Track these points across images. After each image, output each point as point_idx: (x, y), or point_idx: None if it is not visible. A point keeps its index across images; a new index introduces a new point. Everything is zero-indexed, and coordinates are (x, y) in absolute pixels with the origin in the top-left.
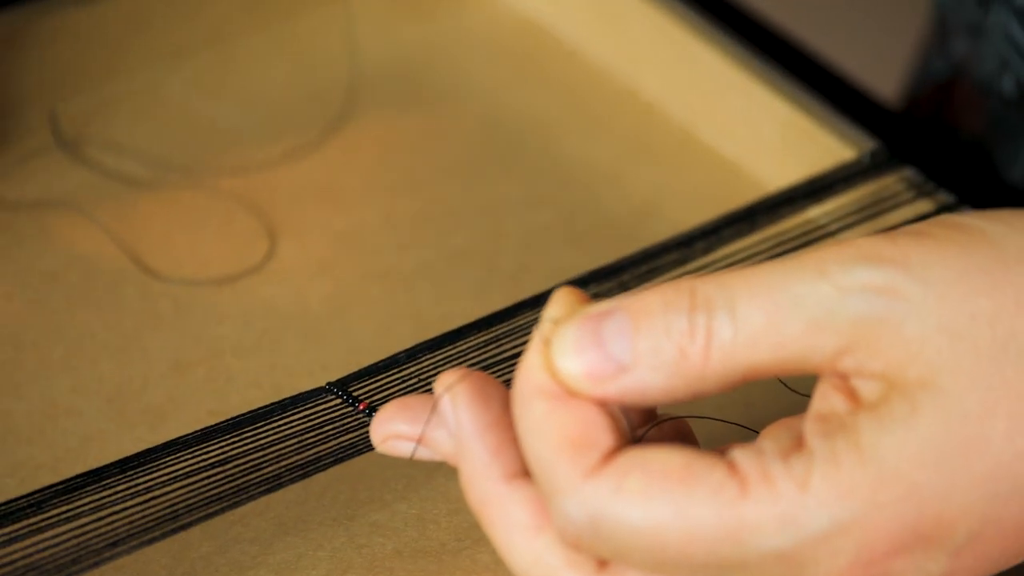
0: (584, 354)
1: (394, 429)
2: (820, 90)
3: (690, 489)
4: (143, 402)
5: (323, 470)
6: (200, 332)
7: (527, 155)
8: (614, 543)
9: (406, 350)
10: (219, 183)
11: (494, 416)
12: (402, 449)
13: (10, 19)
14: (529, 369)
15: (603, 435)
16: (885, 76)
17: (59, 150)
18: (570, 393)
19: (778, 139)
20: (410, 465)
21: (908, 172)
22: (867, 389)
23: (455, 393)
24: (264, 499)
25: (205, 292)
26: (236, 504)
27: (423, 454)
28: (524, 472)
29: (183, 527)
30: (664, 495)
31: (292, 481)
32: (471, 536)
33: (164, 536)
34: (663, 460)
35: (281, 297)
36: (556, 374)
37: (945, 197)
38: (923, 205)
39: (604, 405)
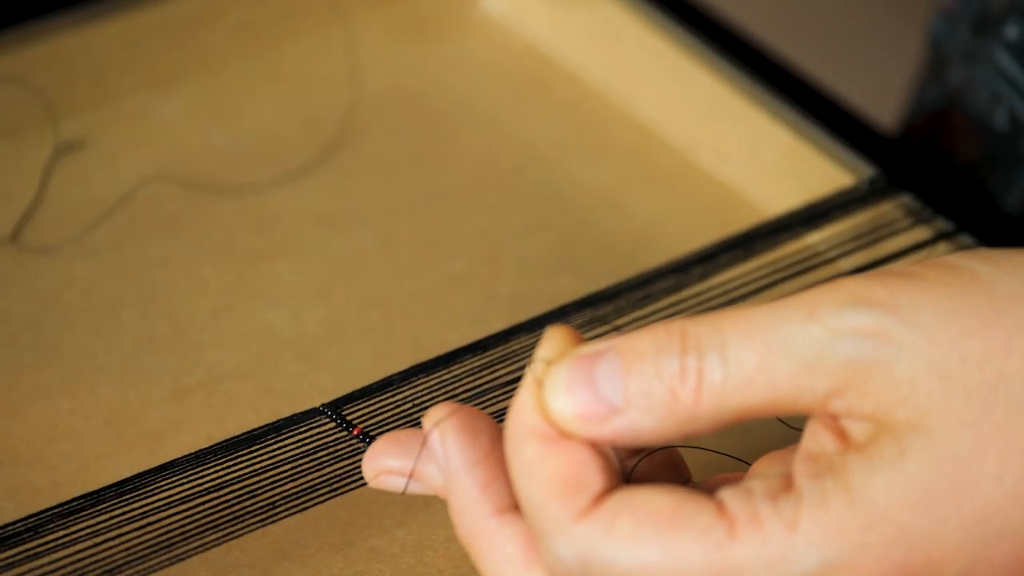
0: (576, 396)
1: (385, 464)
2: (819, 117)
3: (679, 531)
4: (141, 426)
5: (320, 503)
6: (198, 356)
7: (525, 180)
8: None
9: (400, 372)
10: (216, 205)
11: (483, 451)
12: (394, 484)
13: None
14: (521, 410)
15: (594, 477)
16: (884, 104)
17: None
18: (562, 434)
19: (776, 165)
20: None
21: (906, 199)
22: (857, 430)
23: (444, 428)
24: (262, 521)
25: (203, 316)
26: (234, 535)
27: (415, 488)
28: (514, 507)
29: (181, 558)
30: (653, 537)
31: (289, 513)
32: (469, 563)
33: (161, 566)
34: (652, 502)
35: (279, 321)
36: (548, 415)
37: (943, 224)
38: (921, 232)
39: (595, 445)
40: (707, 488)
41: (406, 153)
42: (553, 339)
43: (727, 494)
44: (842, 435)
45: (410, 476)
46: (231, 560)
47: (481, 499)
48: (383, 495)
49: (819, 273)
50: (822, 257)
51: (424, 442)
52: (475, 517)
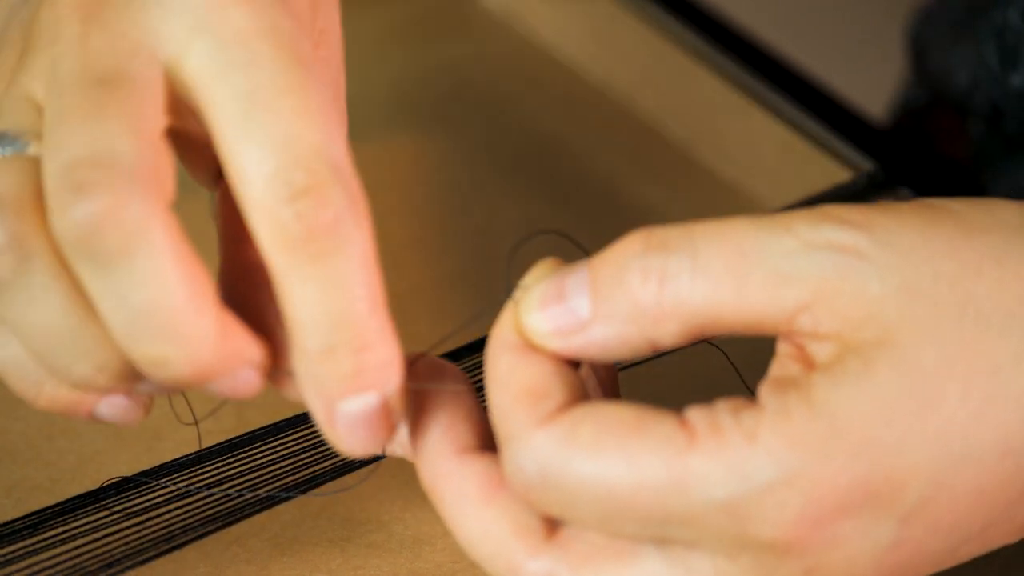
0: (547, 310)
1: None
2: (817, 112)
3: (639, 440)
4: (140, 424)
5: (317, 487)
6: None
7: (525, 176)
8: (563, 493)
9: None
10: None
11: (445, 395)
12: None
13: None
14: (499, 327)
15: (559, 387)
16: (882, 99)
17: None
18: (536, 349)
19: (775, 160)
20: (406, 486)
21: (904, 193)
22: (822, 352)
23: (409, 374)
24: (260, 520)
25: None
26: (230, 523)
27: (392, 450)
28: (474, 447)
29: (178, 546)
30: (614, 445)
31: (287, 498)
32: (467, 558)
33: (159, 555)
34: (615, 412)
35: None
36: (523, 331)
37: None
38: None
39: (565, 360)
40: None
41: (405, 149)
42: (540, 267)
43: (691, 409)
44: (808, 362)
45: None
46: (230, 555)
47: (443, 440)
48: (382, 490)
49: None
50: None
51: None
52: (436, 457)
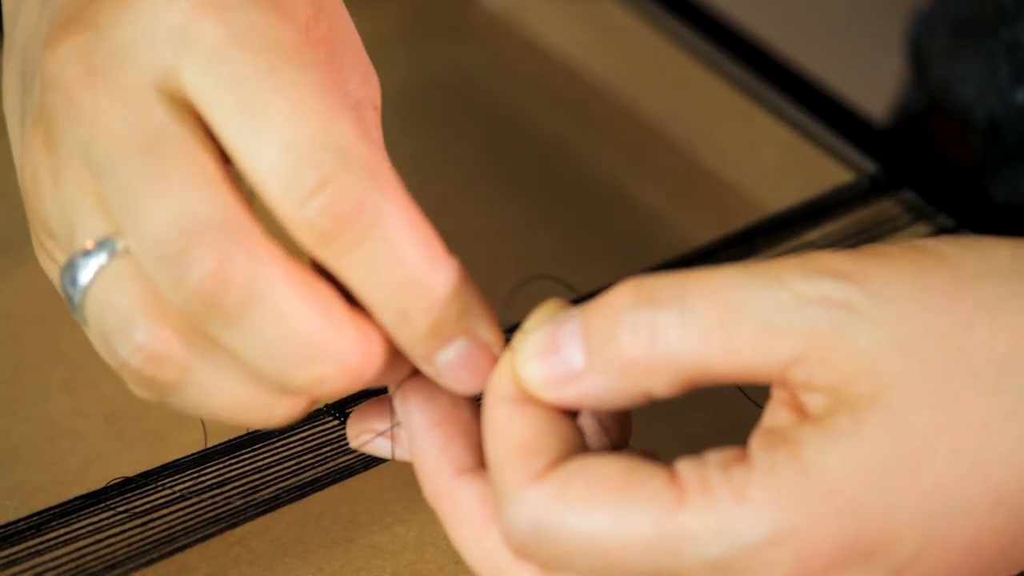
0: (542, 360)
1: (367, 427)
2: (819, 114)
3: (630, 497)
4: (142, 424)
5: (320, 489)
6: None
7: (527, 177)
8: (556, 549)
9: None
10: None
11: (442, 413)
12: (382, 449)
13: None
14: (497, 375)
15: (551, 442)
16: (884, 101)
17: None
18: (532, 399)
19: (778, 162)
20: (409, 487)
21: (907, 195)
22: (815, 404)
23: (404, 391)
24: (263, 520)
25: None
26: (233, 525)
27: (401, 454)
28: (474, 467)
29: (180, 549)
30: (604, 502)
31: (290, 501)
32: None
33: (161, 558)
34: (605, 467)
35: None
36: (518, 380)
37: (944, 220)
38: (921, 228)
39: (565, 410)
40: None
41: (407, 150)
42: (541, 310)
43: (681, 463)
44: (800, 410)
45: (390, 437)
46: (232, 556)
47: (440, 459)
48: (384, 491)
49: None
50: None
51: (390, 405)
52: (435, 478)
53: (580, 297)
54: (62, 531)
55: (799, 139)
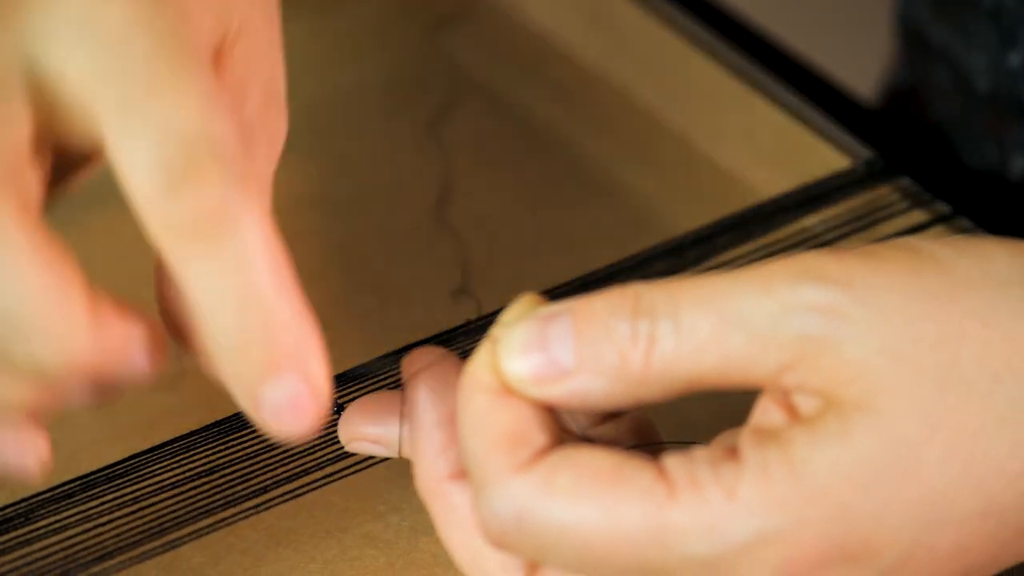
0: (528, 356)
1: (359, 431)
2: (816, 99)
3: (618, 490)
4: (135, 413)
5: (314, 490)
6: None
7: (522, 163)
8: (539, 541)
9: (393, 353)
10: None
11: (448, 414)
12: (372, 450)
13: None
14: (475, 366)
15: (537, 432)
16: (881, 86)
17: None
18: (513, 393)
19: (774, 148)
20: (402, 476)
21: (904, 182)
22: (806, 405)
23: (415, 384)
24: (256, 507)
25: None
26: (226, 521)
27: (382, 452)
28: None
29: (174, 545)
30: (592, 494)
31: (283, 500)
32: None
33: (155, 553)
34: (593, 460)
35: None
36: (501, 374)
37: (941, 207)
38: (918, 215)
39: (542, 404)
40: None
41: (403, 137)
42: (519, 304)
43: (669, 459)
44: (792, 410)
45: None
46: (225, 546)
47: (438, 461)
48: (378, 481)
49: None
50: (819, 240)
51: (402, 407)
52: (431, 478)
53: (552, 290)
54: (52, 519)
55: (795, 125)
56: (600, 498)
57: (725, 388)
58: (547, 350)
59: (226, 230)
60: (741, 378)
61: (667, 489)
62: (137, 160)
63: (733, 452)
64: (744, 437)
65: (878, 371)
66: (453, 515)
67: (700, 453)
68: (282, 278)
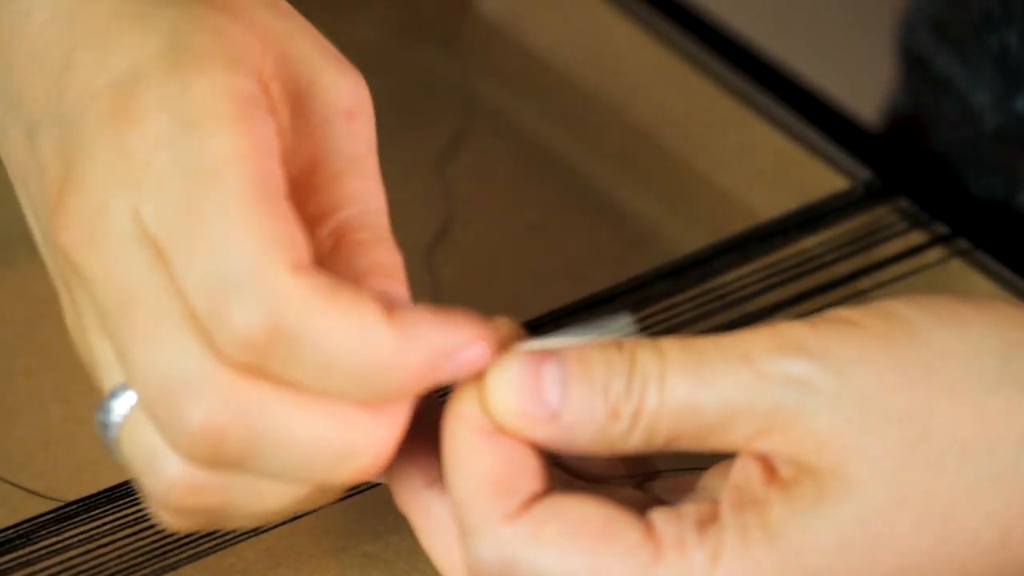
0: (521, 395)
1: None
2: (814, 120)
3: (606, 546)
4: None
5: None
6: None
7: (520, 184)
8: None
9: None
10: None
11: (417, 420)
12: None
13: None
14: (462, 400)
15: (527, 479)
16: (880, 108)
17: None
18: (501, 431)
19: (772, 169)
20: None
21: (902, 203)
22: (783, 466)
23: None
24: (255, 529)
25: None
26: (227, 542)
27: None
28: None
29: (174, 566)
30: (579, 549)
31: (283, 521)
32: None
33: (155, 575)
34: (582, 512)
35: None
36: (488, 408)
37: (940, 228)
38: (917, 236)
39: (531, 445)
40: (660, 491)
41: (400, 155)
42: (498, 329)
43: (658, 516)
44: (769, 468)
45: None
46: (225, 566)
47: (411, 470)
48: (378, 500)
49: (814, 277)
50: (818, 261)
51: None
52: (406, 492)
53: (553, 312)
54: (53, 539)
55: (794, 146)
56: (588, 554)
57: (704, 451)
58: (539, 390)
59: (290, 347)
60: (716, 442)
61: (654, 548)
62: (192, 297)
63: (715, 512)
64: (725, 494)
65: (846, 442)
66: (433, 523)
67: (688, 510)
68: (383, 336)
